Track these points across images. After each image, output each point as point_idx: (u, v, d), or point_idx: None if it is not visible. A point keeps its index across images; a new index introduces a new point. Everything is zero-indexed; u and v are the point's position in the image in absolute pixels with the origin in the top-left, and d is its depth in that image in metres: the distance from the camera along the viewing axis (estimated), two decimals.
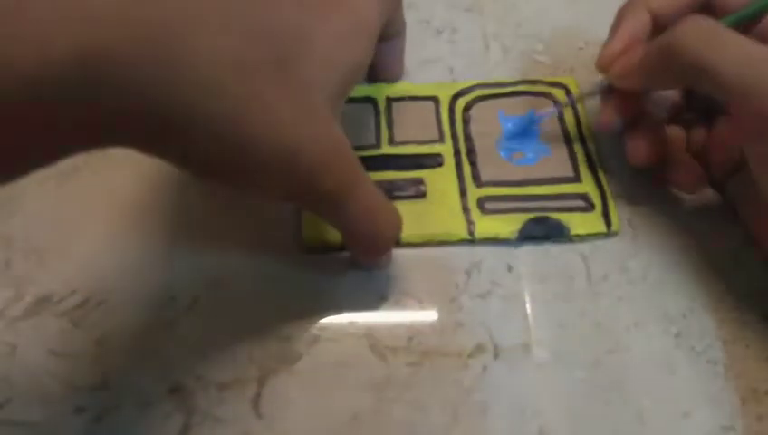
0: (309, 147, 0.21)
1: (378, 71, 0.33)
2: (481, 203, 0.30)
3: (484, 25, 0.36)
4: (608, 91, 0.29)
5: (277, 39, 0.20)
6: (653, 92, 0.31)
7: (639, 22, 0.28)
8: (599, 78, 0.30)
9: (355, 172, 0.23)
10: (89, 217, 0.29)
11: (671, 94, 0.31)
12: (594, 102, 0.32)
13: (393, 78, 0.33)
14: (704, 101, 0.30)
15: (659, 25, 0.28)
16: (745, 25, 0.27)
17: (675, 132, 0.30)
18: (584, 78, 0.33)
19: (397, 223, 0.25)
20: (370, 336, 0.27)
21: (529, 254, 0.29)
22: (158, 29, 0.17)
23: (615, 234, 0.29)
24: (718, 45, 0.24)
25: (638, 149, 0.29)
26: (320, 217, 0.24)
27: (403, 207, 0.27)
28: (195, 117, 0.18)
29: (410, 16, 0.36)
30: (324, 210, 0.23)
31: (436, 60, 0.35)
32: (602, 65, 0.29)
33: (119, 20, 0.16)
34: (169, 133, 0.18)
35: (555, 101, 0.32)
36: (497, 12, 0.37)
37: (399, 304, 0.27)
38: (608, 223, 0.29)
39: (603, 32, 0.29)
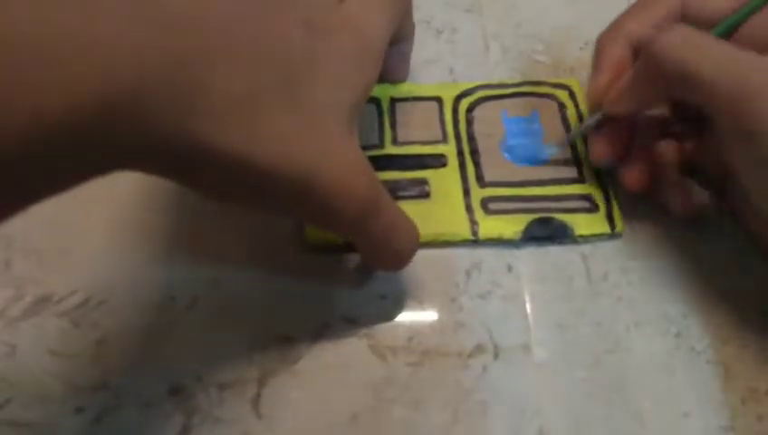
0: (321, 171, 0.20)
1: (384, 73, 0.32)
2: (485, 203, 0.30)
3: (484, 26, 0.36)
4: (598, 127, 0.29)
5: (285, 64, 0.20)
6: (641, 118, 0.30)
7: (619, 49, 0.28)
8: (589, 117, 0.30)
9: (375, 192, 0.22)
10: (89, 217, 0.29)
11: (658, 110, 0.31)
12: None
13: (398, 80, 0.33)
14: (692, 110, 0.30)
15: (639, 50, 0.28)
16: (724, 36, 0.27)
17: (667, 149, 0.30)
18: (585, 78, 0.33)
19: (416, 236, 0.25)
20: (370, 336, 0.27)
21: (529, 254, 0.29)
22: (175, 71, 0.17)
23: (619, 235, 0.29)
24: (700, 50, 0.24)
25: (632, 177, 0.29)
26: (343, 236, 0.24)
27: (407, 208, 0.28)
28: (208, 150, 0.18)
29: None
30: (346, 230, 0.23)
31: (437, 60, 0.35)
32: (593, 99, 0.29)
33: (138, 66, 0.16)
34: (182, 165, 0.19)
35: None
36: (497, 12, 0.37)
37: (399, 304, 0.27)
38: (612, 224, 0.29)
39: None
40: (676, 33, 0.25)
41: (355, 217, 0.22)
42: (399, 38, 0.29)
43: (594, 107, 0.29)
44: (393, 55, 0.31)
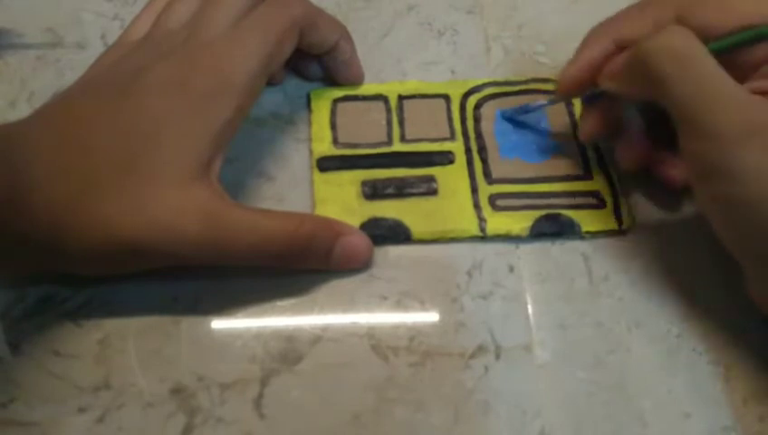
0: (143, 230, 0.24)
1: (335, 79, 0.33)
2: (492, 200, 0.30)
3: (486, 27, 0.36)
4: (589, 102, 0.29)
5: (122, 149, 0.25)
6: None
7: (601, 48, 0.28)
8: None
9: (214, 232, 0.25)
10: None
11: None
12: None
13: (351, 83, 0.33)
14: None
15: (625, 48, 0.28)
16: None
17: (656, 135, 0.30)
18: None
19: (283, 228, 0.26)
20: (372, 336, 0.27)
21: (530, 254, 0.29)
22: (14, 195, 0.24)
23: (626, 231, 0.29)
24: (682, 62, 0.23)
25: (626, 155, 0.29)
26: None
27: (415, 205, 0.29)
28: (50, 240, 0.24)
29: (411, 18, 0.36)
30: (276, 264, 0.27)
31: (438, 61, 0.35)
32: (560, 89, 0.29)
33: None
34: (41, 253, 0.25)
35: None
36: (498, 14, 0.37)
37: (401, 305, 0.28)
38: (619, 220, 0.29)
39: None
40: (667, 37, 0.24)
41: (207, 253, 0.25)
42: (327, 48, 0.31)
43: (561, 93, 0.30)
44: (331, 64, 0.32)
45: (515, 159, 0.31)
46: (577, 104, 0.33)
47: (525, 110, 0.32)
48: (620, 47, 0.28)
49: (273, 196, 0.30)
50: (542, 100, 0.32)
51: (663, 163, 0.29)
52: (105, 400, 0.25)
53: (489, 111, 0.33)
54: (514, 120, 0.32)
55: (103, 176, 0.24)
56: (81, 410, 0.25)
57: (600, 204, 0.30)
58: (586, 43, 0.29)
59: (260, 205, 0.30)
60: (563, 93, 0.30)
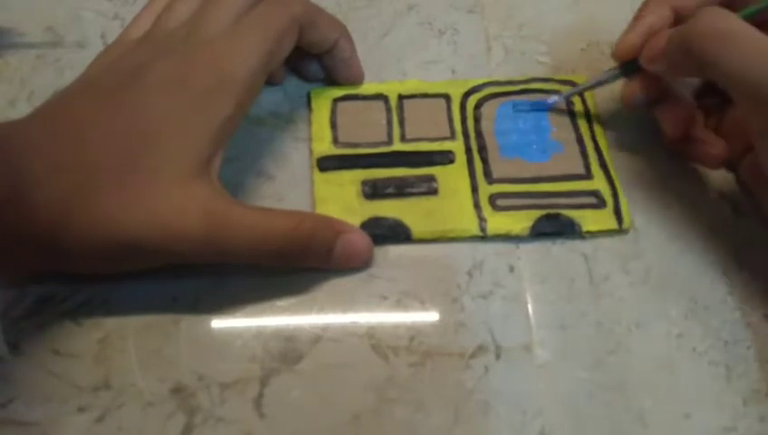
0: (145, 229, 0.24)
1: (335, 79, 0.33)
2: (492, 200, 0.30)
3: (487, 27, 0.36)
4: (632, 71, 0.30)
5: (122, 148, 0.25)
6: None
7: (660, 16, 0.28)
8: (604, 68, 0.31)
9: (214, 229, 0.25)
10: None
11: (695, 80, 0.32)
12: (603, 95, 0.32)
13: (351, 82, 0.33)
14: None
15: (681, 20, 0.28)
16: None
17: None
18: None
19: (283, 226, 0.26)
20: (372, 336, 0.27)
21: (531, 254, 0.29)
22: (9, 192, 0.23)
23: (626, 231, 0.29)
24: (727, 40, 0.24)
25: (672, 119, 0.29)
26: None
27: (415, 204, 0.29)
28: (55, 237, 0.24)
29: (412, 18, 0.36)
30: (269, 262, 0.27)
31: (439, 61, 0.35)
32: (618, 55, 0.30)
33: None
34: (46, 252, 0.25)
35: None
36: (499, 13, 0.37)
37: (401, 305, 0.28)
38: (619, 220, 0.29)
39: (605, 33, 0.30)
40: (707, 17, 0.25)
41: (207, 251, 0.25)
42: (326, 47, 0.31)
43: (616, 60, 0.30)
44: (331, 63, 0.32)
45: (516, 159, 0.31)
46: (578, 103, 0.33)
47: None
48: (678, 16, 0.28)
49: (273, 195, 0.30)
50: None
51: (704, 143, 0.30)
52: (105, 399, 0.25)
53: (489, 110, 0.33)
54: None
55: (103, 174, 0.24)
56: (81, 409, 0.25)
57: (601, 204, 0.30)
58: (642, 10, 0.29)
59: (260, 204, 0.30)
60: (620, 59, 0.30)
